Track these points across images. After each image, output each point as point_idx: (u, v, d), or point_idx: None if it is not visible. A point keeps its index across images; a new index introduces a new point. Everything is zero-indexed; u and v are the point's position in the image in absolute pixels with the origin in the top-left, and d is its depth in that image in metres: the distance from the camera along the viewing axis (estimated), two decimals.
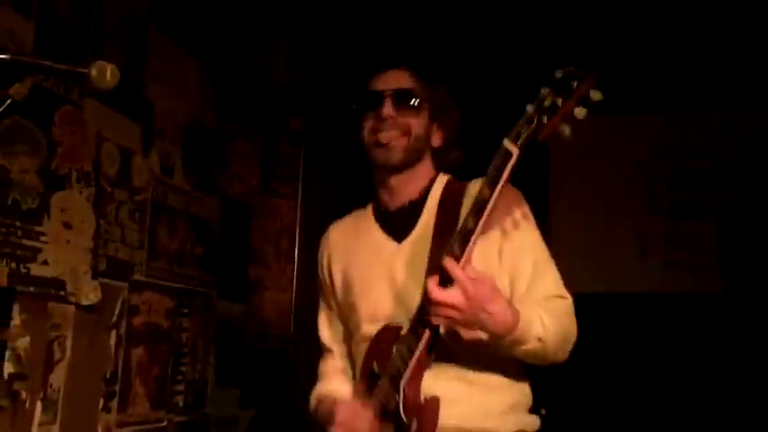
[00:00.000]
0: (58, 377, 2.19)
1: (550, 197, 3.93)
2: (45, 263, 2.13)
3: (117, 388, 2.47)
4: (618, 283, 3.78)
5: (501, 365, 1.72)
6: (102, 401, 2.40)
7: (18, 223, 2.04)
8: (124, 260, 2.50)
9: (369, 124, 1.85)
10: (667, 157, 3.92)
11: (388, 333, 1.74)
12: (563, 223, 3.81)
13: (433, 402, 1.62)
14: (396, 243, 1.84)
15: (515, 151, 1.51)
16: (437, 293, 1.52)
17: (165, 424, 2.74)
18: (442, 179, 1.90)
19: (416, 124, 1.83)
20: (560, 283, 1.77)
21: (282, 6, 3.58)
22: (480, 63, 3.66)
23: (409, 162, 1.84)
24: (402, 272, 1.78)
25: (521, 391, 1.79)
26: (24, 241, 2.05)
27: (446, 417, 1.63)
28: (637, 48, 3.68)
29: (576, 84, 1.47)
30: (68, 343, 2.23)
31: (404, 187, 1.87)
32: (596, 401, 3.67)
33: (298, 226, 3.72)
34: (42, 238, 2.12)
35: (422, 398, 1.64)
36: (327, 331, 2.03)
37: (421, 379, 1.65)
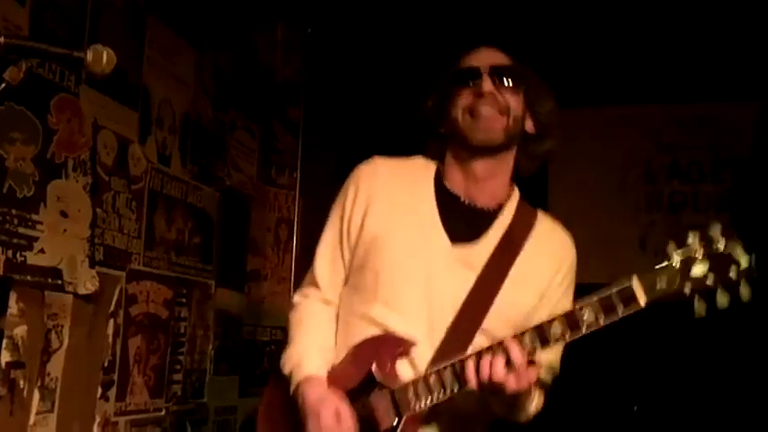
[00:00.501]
0: (55, 366, 2.19)
1: (549, 188, 3.92)
2: (42, 251, 2.12)
3: (115, 377, 2.48)
4: (617, 274, 3.78)
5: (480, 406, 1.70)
6: (100, 390, 2.40)
7: (14, 211, 2.03)
8: (121, 249, 2.50)
9: (463, 101, 1.70)
10: (666, 148, 3.92)
11: (399, 345, 1.64)
12: (562, 214, 3.80)
13: None
14: (449, 242, 1.68)
15: (641, 303, 1.45)
16: (499, 375, 1.48)
17: (163, 413, 2.74)
18: (516, 195, 1.78)
19: (515, 104, 1.71)
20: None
21: None
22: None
23: (506, 144, 1.71)
24: (441, 276, 1.66)
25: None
26: (20, 229, 2.05)
27: None
28: (636, 39, 3.67)
29: (736, 274, 1.37)
30: (66, 332, 2.23)
31: (488, 180, 1.73)
32: (592, 393, 3.68)
33: (296, 216, 3.71)
34: (39, 227, 2.11)
35: None
36: (328, 272, 1.80)
37: (423, 416, 1.61)
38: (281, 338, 3.58)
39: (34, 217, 2.10)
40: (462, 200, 1.73)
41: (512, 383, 1.47)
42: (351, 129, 3.78)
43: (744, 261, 1.37)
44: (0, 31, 1.79)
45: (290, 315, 1.85)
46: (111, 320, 2.45)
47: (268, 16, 3.56)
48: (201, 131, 3.00)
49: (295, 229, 3.70)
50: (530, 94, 1.74)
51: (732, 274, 1.37)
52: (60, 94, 2.19)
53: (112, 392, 2.46)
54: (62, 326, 2.22)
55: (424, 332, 1.64)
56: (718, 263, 1.38)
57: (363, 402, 1.63)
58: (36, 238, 2.10)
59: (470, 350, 1.57)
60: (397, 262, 1.68)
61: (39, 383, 2.13)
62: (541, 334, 1.49)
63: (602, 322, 1.47)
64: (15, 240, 2.03)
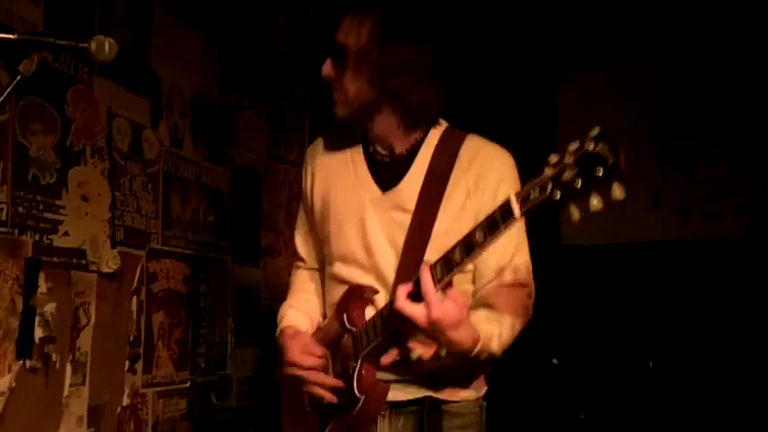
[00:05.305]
0: (84, 341, 2.33)
1: (559, 145, 3.94)
2: (66, 234, 2.26)
3: (141, 351, 2.61)
4: (630, 232, 3.71)
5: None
6: (127, 363, 2.54)
7: (39, 198, 2.16)
8: (140, 230, 2.62)
9: None
10: (677, 102, 3.86)
11: (362, 293, 1.76)
12: None
13: (383, 388, 1.69)
14: (379, 191, 1.80)
15: (516, 214, 1.37)
16: (401, 303, 1.51)
17: (188, 385, 2.88)
18: (440, 128, 1.83)
19: (353, 80, 1.77)
20: (530, 267, 1.77)
21: None
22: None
23: (358, 114, 1.79)
24: (376, 223, 1.77)
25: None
26: (46, 214, 2.18)
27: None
28: None
29: (602, 173, 1.25)
30: (92, 309, 2.36)
31: (389, 133, 1.80)
32: (608, 351, 3.69)
33: None
34: (62, 211, 2.25)
35: (376, 376, 1.68)
36: (303, 245, 2.04)
37: (379, 356, 1.67)
38: None
39: (57, 202, 2.23)
40: (382, 151, 1.84)
41: (421, 315, 1.48)
42: None
43: (610, 157, 1.26)
44: (15, 29, 1.93)
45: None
46: (135, 297, 2.58)
47: None
48: (210, 113, 3.10)
49: None
50: (383, 59, 1.73)
51: (599, 173, 1.25)
52: (76, 85, 2.31)
53: (139, 365, 2.60)
54: (89, 303, 2.35)
55: (377, 279, 1.76)
56: (586, 165, 1.28)
57: (338, 350, 1.78)
58: (60, 222, 2.24)
59: None
60: (339, 223, 1.84)
61: (70, 358, 2.26)
62: (445, 261, 1.50)
63: (489, 240, 1.43)
64: (42, 225, 2.17)
